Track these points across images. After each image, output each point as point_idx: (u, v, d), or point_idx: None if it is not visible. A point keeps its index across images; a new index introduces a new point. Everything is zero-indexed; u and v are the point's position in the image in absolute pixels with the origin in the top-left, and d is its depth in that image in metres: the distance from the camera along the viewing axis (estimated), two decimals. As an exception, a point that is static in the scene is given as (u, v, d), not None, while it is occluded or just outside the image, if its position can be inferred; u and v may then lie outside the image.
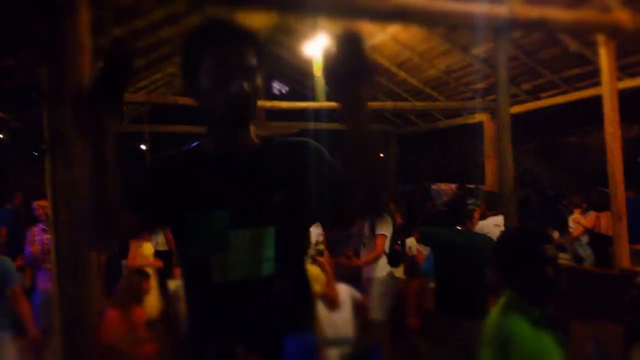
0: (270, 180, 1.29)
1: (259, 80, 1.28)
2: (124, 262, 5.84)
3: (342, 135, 1.18)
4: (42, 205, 4.89)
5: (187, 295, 1.35)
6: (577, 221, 7.02)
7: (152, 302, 5.19)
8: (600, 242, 6.17)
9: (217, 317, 1.27)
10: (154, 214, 1.32)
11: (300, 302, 1.34)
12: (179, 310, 5.22)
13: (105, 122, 1.17)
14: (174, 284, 5.78)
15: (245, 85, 1.23)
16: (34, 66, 4.72)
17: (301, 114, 8.17)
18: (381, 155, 12.69)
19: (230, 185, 1.27)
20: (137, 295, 3.86)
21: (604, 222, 6.12)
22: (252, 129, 1.34)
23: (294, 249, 1.33)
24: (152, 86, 7.96)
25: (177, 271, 6.12)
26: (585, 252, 6.66)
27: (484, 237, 3.68)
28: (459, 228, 3.65)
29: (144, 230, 1.46)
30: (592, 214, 6.57)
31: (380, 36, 7.30)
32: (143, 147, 13.27)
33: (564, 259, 5.60)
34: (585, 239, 6.73)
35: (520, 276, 1.84)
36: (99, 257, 3.93)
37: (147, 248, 5.77)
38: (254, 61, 1.26)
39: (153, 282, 5.48)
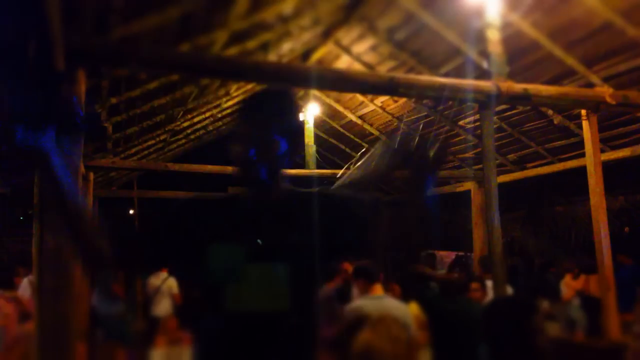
0: (288, 222, 1.44)
1: (274, 147, 1.43)
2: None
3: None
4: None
5: (199, 322, 1.44)
6: (568, 285, 7.00)
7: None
8: (591, 304, 6.15)
9: (228, 345, 1.36)
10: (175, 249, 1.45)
11: (307, 339, 1.44)
12: None
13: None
14: (157, 354, 5.60)
15: (247, 153, 1.40)
16: (28, 132, 4.76)
17: (293, 181, 8.21)
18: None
19: (244, 226, 1.42)
20: None
21: (593, 284, 6.12)
22: (280, 185, 1.51)
23: (306, 288, 1.44)
24: (144, 152, 8.02)
25: (161, 340, 5.95)
26: (577, 316, 6.60)
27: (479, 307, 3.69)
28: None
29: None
30: (581, 277, 6.59)
31: (370, 106, 7.50)
32: (131, 211, 13.20)
33: (554, 328, 5.54)
34: (576, 301, 6.70)
35: (508, 347, 1.82)
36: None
37: None
38: (267, 132, 1.43)
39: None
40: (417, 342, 3.02)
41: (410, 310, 4.30)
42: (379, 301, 3.68)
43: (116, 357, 3.94)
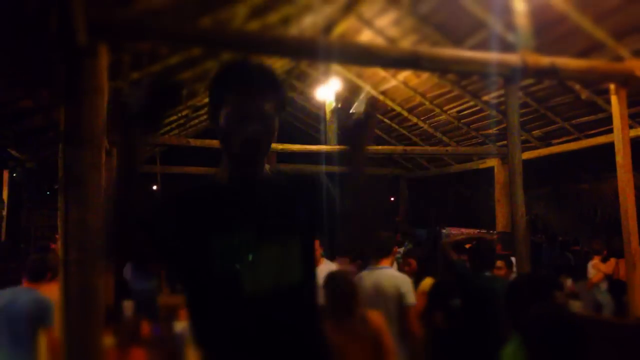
0: (287, 199, 1.43)
1: (274, 123, 1.40)
2: (125, 302, 5.79)
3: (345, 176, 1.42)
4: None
5: (211, 316, 1.37)
6: (597, 267, 6.91)
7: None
8: (619, 289, 6.08)
9: (249, 330, 1.34)
10: (168, 242, 1.38)
11: (316, 308, 1.47)
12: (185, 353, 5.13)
13: (140, 136, 1.31)
14: (181, 326, 5.71)
15: (258, 128, 1.35)
16: (52, 107, 4.82)
17: (312, 157, 8.22)
18: (390, 198, 12.67)
19: (253, 205, 1.40)
20: (136, 336, 3.81)
21: (623, 268, 6.03)
22: (266, 166, 1.49)
23: (312, 260, 1.47)
24: (167, 128, 8.07)
25: (183, 313, 6.05)
26: (605, 299, 6.54)
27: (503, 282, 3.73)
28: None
29: (157, 255, 1.48)
30: (611, 261, 6.49)
31: (392, 81, 7.41)
32: (155, 187, 13.35)
33: (577, 307, 5.49)
34: (604, 285, 6.62)
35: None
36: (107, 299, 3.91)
37: None
38: (269, 105, 1.38)
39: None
40: (388, 347, 3.02)
41: (423, 286, 4.35)
42: (375, 272, 3.90)
43: (142, 330, 4.00)
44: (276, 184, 1.46)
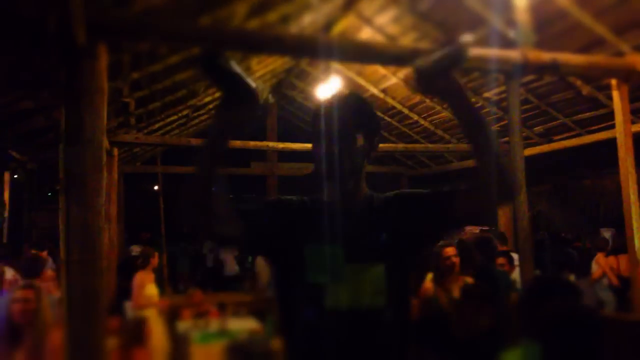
0: (377, 224, 1.50)
1: (356, 143, 1.49)
2: (127, 303, 5.80)
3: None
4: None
5: (293, 321, 1.49)
6: (598, 263, 6.91)
7: (158, 344, 5.11)
8: (621, 285, 6.07)
9: (325, 342, 1.42)
10: (261, 240, 1.52)
11: (404, 335, 1.50)
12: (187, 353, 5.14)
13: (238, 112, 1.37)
14: (183, 326, 5.71)
15: (336, 149, 1.46)
16: (52, 108, 4.82)
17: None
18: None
19: (346, 226, 1.47)
20: (139, 337, 3.81)
21: (623, 264, 6.02)
22: (364, 186, 1.57)
23: (401, 285, 1.51)
24: (167, 127, 8.07)
25: (186, 313, 6.06)
26: (606, 296, 6.52)
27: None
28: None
29: (240, 244, 1.70)
30: (611, 257, 6.48)
31: (392, 79, 7.40)
32: (156, 187, 13.36)
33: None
34: (606, 281, 6.61)
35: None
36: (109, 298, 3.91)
37: (151, 289, 5.72)
38: (349, 128, 1.48)
39: (158, 324, 5.42)
40: None
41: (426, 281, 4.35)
42: None
43: (145, 331, 4.01)
44: (371, 207, 1.54)
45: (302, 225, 1.49)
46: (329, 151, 1.46)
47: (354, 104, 1.53)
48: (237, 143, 7.48)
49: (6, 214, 9.30)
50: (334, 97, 1.60)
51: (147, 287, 5.64)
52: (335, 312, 1.41)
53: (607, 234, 8.92)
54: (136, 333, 3.79)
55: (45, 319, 3.09)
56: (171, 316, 6.02)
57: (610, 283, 6.53)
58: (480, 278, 4.02)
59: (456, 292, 3.70)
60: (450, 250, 3.84)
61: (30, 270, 3.68)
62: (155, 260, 5.96)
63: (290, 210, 1.54)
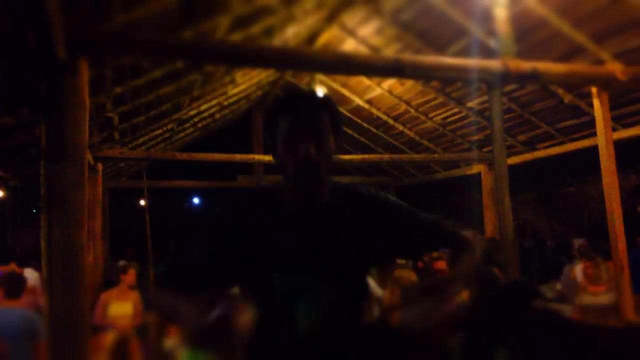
0: (345, 236, 1.40)
1: (329, 142, 1.36)
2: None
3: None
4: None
5: (264, 348, 1.36)
6: (584, 272, 6.92)
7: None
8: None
9: None
10: (225, 278, 1.41)
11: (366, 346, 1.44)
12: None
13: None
14: (171, 343, 5.62)
15: (313, 149, 1.31)
16: (34, 124, 4.76)
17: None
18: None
19: (310, 245, 1.37)
20: (124, 356, 3.76)
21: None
22: (328, 185, 1.43)
23: (364, 298, 1.47)
24: (152, 142, 8.02)
25: (173, 329, 5.97)
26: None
27: None
28: None
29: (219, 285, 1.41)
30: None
31: (377, 90, 7.43)
32: (142, 202, 13.26)
33: (565, 310, 5.49)
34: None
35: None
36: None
37: (116, 308, 5.53)
38: (323, 126, 1.36)
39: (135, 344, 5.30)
40: None
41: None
42: None
43: (131, 350, 3.95)
44: (337, 214, 1.41)
45: (262, 247, 1.37)
46: (304, 155, 1.31)
47: (324, 101, 1.40)
48: (223, 157, 7.47)
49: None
50: (295, 93, 1.45)
51: (112, 305, 5.46)
52: (307, 337, 1.34)
53: (577, 242, 8.99)
54: (120, 352, 3.74)
55: None
56: (158, 333, 5.93)
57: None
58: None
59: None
60: (440, 264, 3.84)
61: (16, 291, 3.64)
62: (129, 278, 5.75)
63: (241, 231, 1.39)
